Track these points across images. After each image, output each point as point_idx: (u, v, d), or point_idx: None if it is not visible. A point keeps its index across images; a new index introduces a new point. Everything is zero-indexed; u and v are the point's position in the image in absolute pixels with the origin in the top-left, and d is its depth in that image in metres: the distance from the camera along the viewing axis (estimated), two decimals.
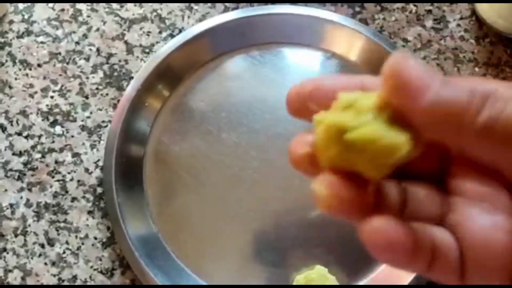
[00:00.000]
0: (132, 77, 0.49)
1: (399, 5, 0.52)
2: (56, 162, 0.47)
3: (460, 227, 0.19)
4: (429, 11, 0.52)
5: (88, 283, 0.43)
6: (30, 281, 0.43)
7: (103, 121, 0.48)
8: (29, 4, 0.52)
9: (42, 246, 0.44)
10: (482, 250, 0.18)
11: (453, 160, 0.20)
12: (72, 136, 0.48)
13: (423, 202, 0.20)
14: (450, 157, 0.20)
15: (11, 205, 0.45)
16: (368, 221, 0.18)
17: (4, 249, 0.44)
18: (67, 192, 0.46)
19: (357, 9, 0.52)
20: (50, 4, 0.52)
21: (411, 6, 0.52)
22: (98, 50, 0.50)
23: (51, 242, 0.44)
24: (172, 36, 0.51)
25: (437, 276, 0.19)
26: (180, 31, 0.51)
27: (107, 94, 0.49)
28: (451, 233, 0.19)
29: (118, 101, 0.48)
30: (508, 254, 0.18)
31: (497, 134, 0.17)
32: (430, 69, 0.17)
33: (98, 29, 0.51)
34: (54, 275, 0.44)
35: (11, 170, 0.46)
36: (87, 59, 0.50)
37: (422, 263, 0.19)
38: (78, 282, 0.43)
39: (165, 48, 0.49)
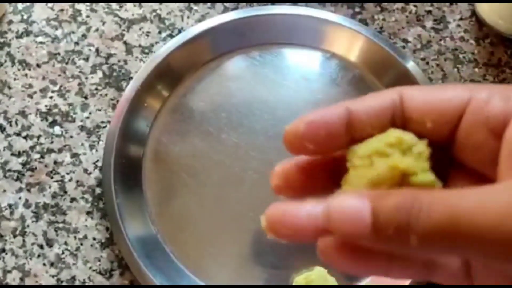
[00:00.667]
0: (131, 78, 0.49)
1: (399, 5, 0.52)
2: (55, 162, 0.47)
3: None
4: (429, 12, 0.52)
5: (87, 284, 0.43)
6: (28, 282, 0.43)
7: (102, 122, 0.48)
8: (28, 4, 0.52)
9: (41, 246, 0.44)
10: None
11: (451, 170, 0.21)
12: (71, 137, 0.47)
13: None
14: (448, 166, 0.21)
15: (9, 205, 0.45)
16: (320, 241, 0.19)
17: (3, 250, 0.44)
18: (66, 192, 0.46)
19: (357, 9, 0.52)
20: (49, 4, 0.52)
21: (411, 7, 0.52)
22: (97, 50, 0.50)
23: (50, 243, 0.44)
24: (171, 36, 0.51)
25: (443, 280, 0.20)
26: (180, 31, 0.51)
27: (106, 95, 0.49)
28: None
29: (117, 101, 0.48)
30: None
31: (434, 247, 0.17)
32: (356, 201, 0.18)
33: (97, 29, 0.51)
34: (53, 276, 0.43)
35: (10, 170, 0.46)
36: (86, 60, 0.50)
37: (405, 272, 0.19)
38: (77, 283, 0.43)
39: (164, 49, 0.49)
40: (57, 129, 0.48)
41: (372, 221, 0.17)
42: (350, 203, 0.18)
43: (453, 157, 0.21)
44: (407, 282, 0.41)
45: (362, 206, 0.18)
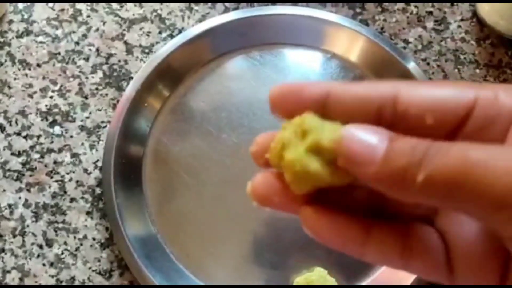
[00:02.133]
0: (131, 78, 0.49)
1: (399, 6, 0.52)
2: (55, 162, 0.46)
3: (448, 231, 0.20)
4: (430, 13, 0.52)
5: (86, 284, 0.43)
6: (28, 282, 0.43)
7: (102, 122, 0.48)
8: (28, 3, 0.51)
9: (41, 247, 0.44)
10: (470, 254, 0.19)
11: None
12: (71, 136, 0.47)
13: (407, 205, 0.21)
14: None
15: (9, 205, 0.45)
16: (301, 209, 0.20)
17: (2, 250, 0.44)
18: (65, 192, 0.46)
19: (358, 10, 0.52)
20: (50, 4, 0.52)
21: (412, 8, 0.52)
22: (97, 50, 0.50)
23: (49, 243, 0.44)
24: (172, 36, 0.51)
25: (421, 270, 0.20)
26: (180, 31, 0.51)
27: (106, 94, 0.49)
28: (439, 234, 0.20)
29: (118, 101, 0.48)
30: (497, 256, 0.19)
31: (437, 191, 0.17)
32: (375, 135, 0.18)
33: (97, 29, 0.51)
34: (52, 276, 0.43)
35: (9, 170, 0.46)
36: (87, 59, 0.50)
37: (378, 252, 0.19)
38: (76, 283, 0.43)
39: (165, 49, 0.49)
40: (57, 129, 0.48)
41: (385, 152, 0.17)
42: (366, 134, 0.18)
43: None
44: (408, 282, 0.41)
45: (379, 136, 0.18)
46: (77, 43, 0.50)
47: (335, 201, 0.20)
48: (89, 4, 0.52)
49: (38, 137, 0.47)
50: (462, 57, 0.50)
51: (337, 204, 0.20)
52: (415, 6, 0.52)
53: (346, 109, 0.20)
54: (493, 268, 0.19)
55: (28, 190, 0.46)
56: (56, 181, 0.46)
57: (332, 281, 0.40)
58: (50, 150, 0.47)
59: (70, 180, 0.46)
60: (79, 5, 0.52)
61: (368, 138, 0.18)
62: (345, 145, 0.18)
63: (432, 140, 0.18)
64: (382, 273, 0.42)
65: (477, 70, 0.50)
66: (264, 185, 0.21)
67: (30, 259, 0.44)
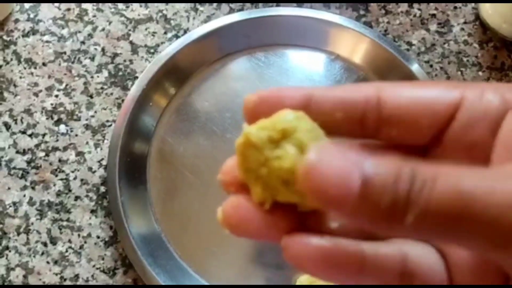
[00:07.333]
0: (136, 77, 0.49)
1: (403, 8, 0.53)
2: (59, 160, 0.47)
3: (447, 249, 0.19)
4: (433, 15, 0.52)
5: (90, 282, 0.43)
6: (32, 280, 0.43)
7: (107, 121, 0.48)
8: (34, 3, 0.52)
9: (45, 244, 0.44)
10: (472, 269, 0.18)
11: None
12: (76, 135, 0.48)
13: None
14: None
15: (14, 203, 0.45)
16: (288, 238, 0.17)
17: (7, 247, 0.44)
18: (70, 190, 0.46)
19: (362, 12, 0.52)
20: (56, 4, 0.52)
21: (415, 10, 0.53)
22: (103, 50, 0.50)
23: (53, 241, 0.44)
24: (177, 36, 0.51)
25: None
26: (185, 32, 0.51)
27: (111, 94, 0.49)
28: (440, 253, 0.19)
29: (123, 100, 0.48)
30: (498, 276, 0.18)
31: (430, 229, 0.15)
32: (346, 159, 0.15)
33: (103, 29, 0.51)
34: (56, 274, 0.43)
35: (14, 168, 0.46)
36: (92, 59, 0.50)
37: (375, 279, 0.18)
38: (80, 281, 0.43)
39: (170, 49, 0.49)
40: (62, 128, 0.48)
41: (361, 187, 0.15)
42: (334, 160, 0.15)
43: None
44: None
45: (349, 166, 0.15)
46: (82, 42, 0.51)
47: (318, 227, 0.18)
48: (95, 4, 0.52)
49: (43, 135, 0.47)
50: (465, 59, 0.51)
51: (321, 229, 0.18)
52: (419, 9, 0.53)
53: (328, 114, 0.18)
54: (494, 280, 0.18)
55: (33, 188, 0.46)
56: (61, 179, 0.46)
57: None
58: (55, 149, 0.47)
59: (75, 178, 0.46)
60: (85, 5, 0.52)
61: (339, 166, 0.15)
62: (312, 178, 0.15)
63: (409, 164, 0.15)
64: None
65: (480, 73, 0.50)
66: (237, 211, 0.18)
67: (34, 256, 0.44)
